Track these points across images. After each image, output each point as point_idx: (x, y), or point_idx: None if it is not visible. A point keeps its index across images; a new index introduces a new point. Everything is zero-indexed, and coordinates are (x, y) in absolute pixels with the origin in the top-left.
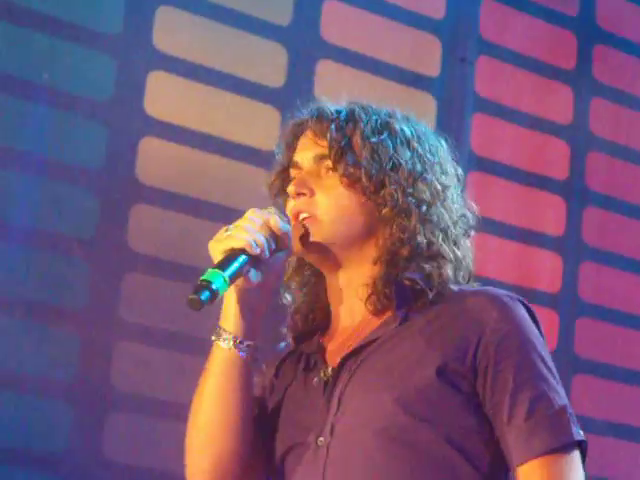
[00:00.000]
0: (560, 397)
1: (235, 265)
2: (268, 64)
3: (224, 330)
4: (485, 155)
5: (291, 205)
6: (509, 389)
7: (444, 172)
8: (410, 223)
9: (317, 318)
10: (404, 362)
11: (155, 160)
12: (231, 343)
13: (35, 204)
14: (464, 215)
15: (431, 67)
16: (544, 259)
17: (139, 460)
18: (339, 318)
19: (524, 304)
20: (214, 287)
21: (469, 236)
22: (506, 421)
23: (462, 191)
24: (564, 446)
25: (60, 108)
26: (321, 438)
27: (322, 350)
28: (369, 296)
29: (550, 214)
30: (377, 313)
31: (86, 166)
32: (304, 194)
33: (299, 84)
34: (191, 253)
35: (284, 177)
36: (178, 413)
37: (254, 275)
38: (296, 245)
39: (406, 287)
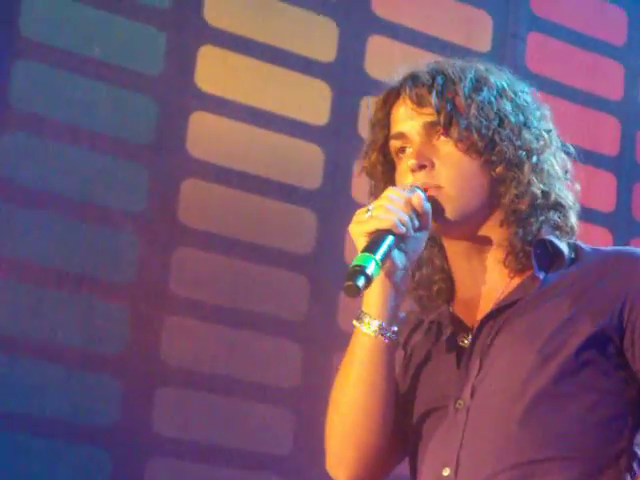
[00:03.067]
0: None
1: (384, 247)
2: (319, 38)
3: (368, 315)
4: None
5: (410, 180)
6: None
7: (543, 116)
8: (523, 176)
9: (441, 289)
10: (551, 324)
11: (206, 134)
12: (377, 329)
13: (86, 177)
14: (566, 157)
15: (482, 43)
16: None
17: (188, 434)
18: (468, 285)
19: None
20: (368, 272)
21: (573, 179)
22: None
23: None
24: None
25: (110, 82)
26: (460, 401)
27: (454, 317)
28: (507, 255)
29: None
30: (514, 275)
31: (136, 141)
32: (425, 166)
33: (350, 60)
34: (240, 227)
35: (382, 152)
36: (228, 388)
37: (399, 256)
38: (433, 223)
39: (544, 247)
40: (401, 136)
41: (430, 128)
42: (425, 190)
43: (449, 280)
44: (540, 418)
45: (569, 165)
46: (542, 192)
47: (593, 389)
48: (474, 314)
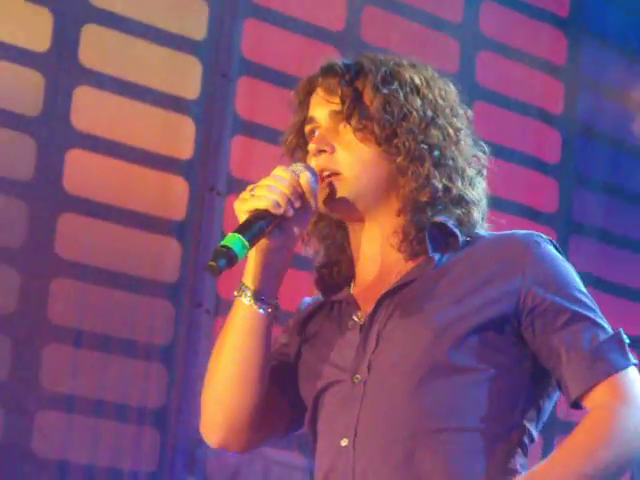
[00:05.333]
0: (609, 325)
1: (256, 227)
2: None
3: (246, 287)
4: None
5: (312, 163)
6: (561, 323)
7: (455, 114)
8: (424, 169)
9: (343, 270)
10: (445, 302)
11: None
12: (252, 300)
13: None
14: (476, 155)
15: (197, 30)
16: None
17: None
18: (367, 267)
19: (552, 242)
20: (233, 253)
21: (483, 176)
22: (564, 355)
23: (472, 131)
24: (626, 366)
25: None
26: (358, 375)
27: (353, 297)
28: (401, 242)
29: None
30: (409, 259)
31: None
32: (325, 151)
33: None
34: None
35: (300, 135)
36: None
37: (277, 235)
38: (321, 203)
39: (437, 231)
40: (311, 120)
41: (335, 116)
42: (321, 173)
43: (350, 262)
44: (434, 391)
45: (482, 163)
46: (443, 186)
47: (486, 364)
48: (373, 295)
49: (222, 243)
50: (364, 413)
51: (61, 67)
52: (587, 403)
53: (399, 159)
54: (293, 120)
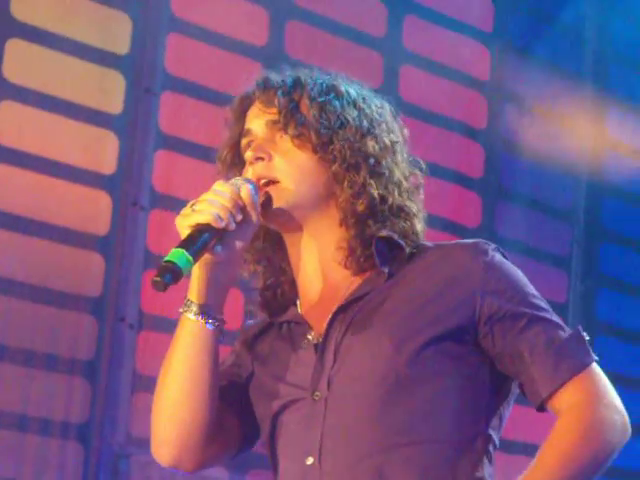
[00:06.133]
0: (566, 326)
1: (199, 242)
2: None
3: (191, 302)
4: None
5: (249, 172)
6: (519, 329)
7: (391, 130)
8: (359, 177)
9: (286, 291)
10: (401, 313)
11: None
12: (198, 315)
13: None
14: (412, 172)
15: (120, 44)
16: None
17: None
18: (311, 286)
19: (498, 249)
20: (177, 268)
21: (419, 192)
22: (527, 357)
23: (407, 149)
24: (589, 363)
25: None
26: (317, 393)
27: (302, 316)
28: (347, 258)
29: None
30: (357, 274)
31: None
32: (262, 158)
33: None
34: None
35: (236, 149)
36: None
37: (220, 249)
38: (264, 215)
39: (383, 244)
40: (248, 133)
41: (272, 125)
42: (259, 182)
43: (292, 282)
44: (397, 403)
45: (418, 177)
46: (380, 195)
47: (446, 374)
48: (323, 312)
49: (166, 258)
50: (328, 429)
51: None
52: (555, 404)
53: (335, 166)
54: (228, 135)
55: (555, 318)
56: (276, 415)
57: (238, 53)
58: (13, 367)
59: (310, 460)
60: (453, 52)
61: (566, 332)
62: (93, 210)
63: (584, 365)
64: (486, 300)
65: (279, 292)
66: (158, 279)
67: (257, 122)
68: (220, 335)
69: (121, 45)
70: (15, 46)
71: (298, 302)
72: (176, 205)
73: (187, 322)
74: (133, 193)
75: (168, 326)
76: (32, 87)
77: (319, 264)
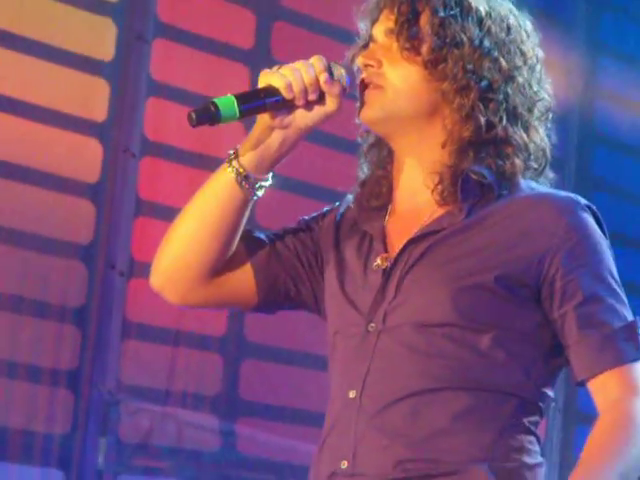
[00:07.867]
0: (628, 312)
1: (256, 100)
2: None
3: (238, 154)
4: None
5: (362, 76)
6: (579, 300)
7: (519, 52)
8: (468, 100)
9: (381, 195)
10: (468, 259)
11: None
12: (234, 169)
13: None
14: (541, 99)
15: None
16: None
17: None
18: (403, 200)
19: (592, 210)
20: (218, 113)
21: (547, 122)
22: (576, 332)
23: (541, 76)
24: (635, 359)
25: None
26: (372, 324)
27: (383, 233)
28: (435, 186)
29: None
30: (441, 203)
31: None
32: (372, 65)
33: None
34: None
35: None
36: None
37: (280, 116)
38: (335, 104)
39: (473, 181)
40: (372, 38)
41: (390, 33)
42: (367, 83)
43: (390, 189)
44: (445, 350)
45: (542, 110)
46: (488, 122)
47: (502, 327)
48: (403, 234)
49: (214, 99)
50: (374, 365)
51: None
52: (593, 387)
53: (445, 85)
54: (362, 32)
55: (618, 303)
56: (335, 334)
57: (231, 1)
58: (2, 314)
59: (352, 394)
60: None
61: (622, 321)
62: (84, 157)
63: (628, 359)
64: (557, 260)
65: (376, 192)
66: (193, 114)
67: (379, 29)
68: (250, 199)
69: None
70: None
71: (388, 213)
72: (167, 152)
73: (220, 171)
74: (124, 140)
75: None
76: (23, 34)
77: (414, 183)
